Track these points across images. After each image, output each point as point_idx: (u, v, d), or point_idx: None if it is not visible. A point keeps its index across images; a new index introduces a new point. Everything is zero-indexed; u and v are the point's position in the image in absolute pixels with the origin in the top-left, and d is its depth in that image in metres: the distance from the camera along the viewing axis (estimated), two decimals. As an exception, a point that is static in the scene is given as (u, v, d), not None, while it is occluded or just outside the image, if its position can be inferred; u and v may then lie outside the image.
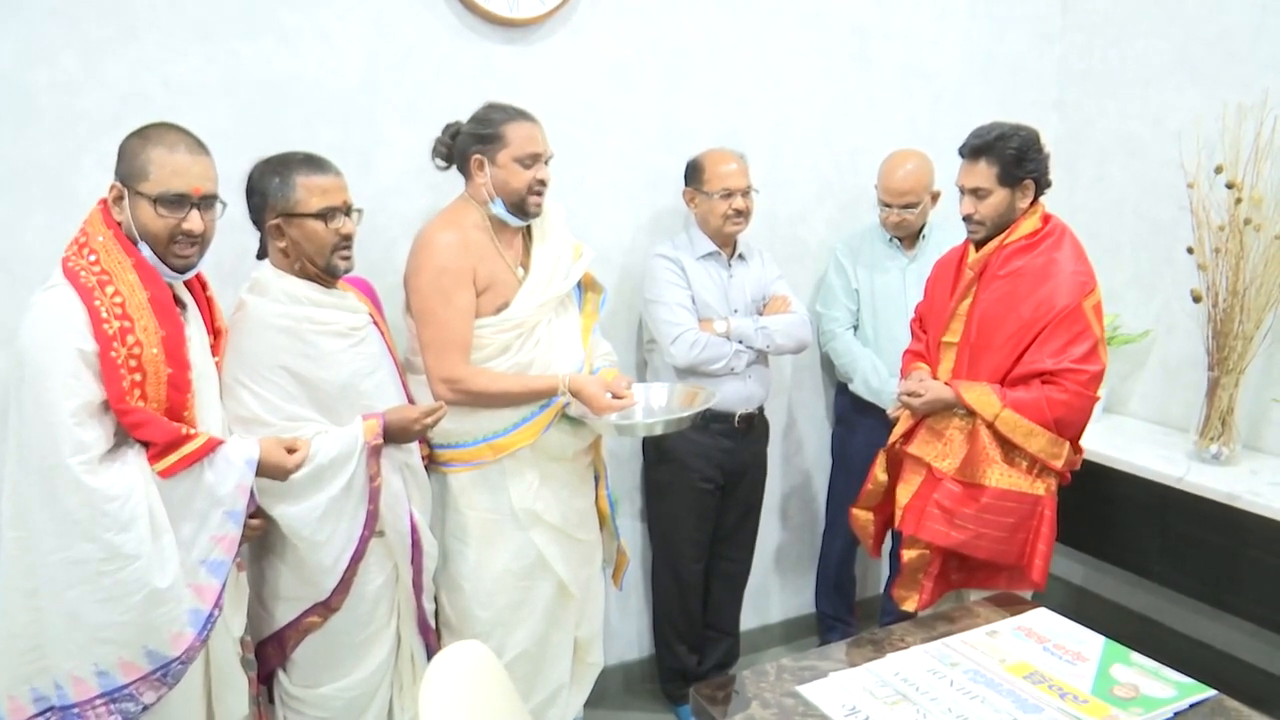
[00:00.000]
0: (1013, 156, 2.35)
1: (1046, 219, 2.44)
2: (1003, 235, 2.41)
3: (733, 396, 2.86)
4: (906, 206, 3.04)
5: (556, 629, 2.51)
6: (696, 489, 2.93)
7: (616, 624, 3.25)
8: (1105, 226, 3.54)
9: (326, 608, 2.12)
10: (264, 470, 1.92)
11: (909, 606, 2.51)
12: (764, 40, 3.14)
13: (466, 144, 2.36)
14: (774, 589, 3.56)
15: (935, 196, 3.11)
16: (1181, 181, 3.06)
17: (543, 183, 2.36)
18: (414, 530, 2.22)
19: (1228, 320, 2.96)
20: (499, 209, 2.36)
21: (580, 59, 2.84)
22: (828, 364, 3.40)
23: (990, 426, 2.35)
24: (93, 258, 1.77)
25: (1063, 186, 3.65)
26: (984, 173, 2.38)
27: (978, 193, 2.40)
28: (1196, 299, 3.00)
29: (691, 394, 2.55)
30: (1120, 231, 3.52)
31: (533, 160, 2.33)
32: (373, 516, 2.11)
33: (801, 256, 3.33)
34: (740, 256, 2.96)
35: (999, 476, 2.35)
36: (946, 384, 2.47)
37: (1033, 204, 2.43)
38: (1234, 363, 2.95)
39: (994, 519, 2.35)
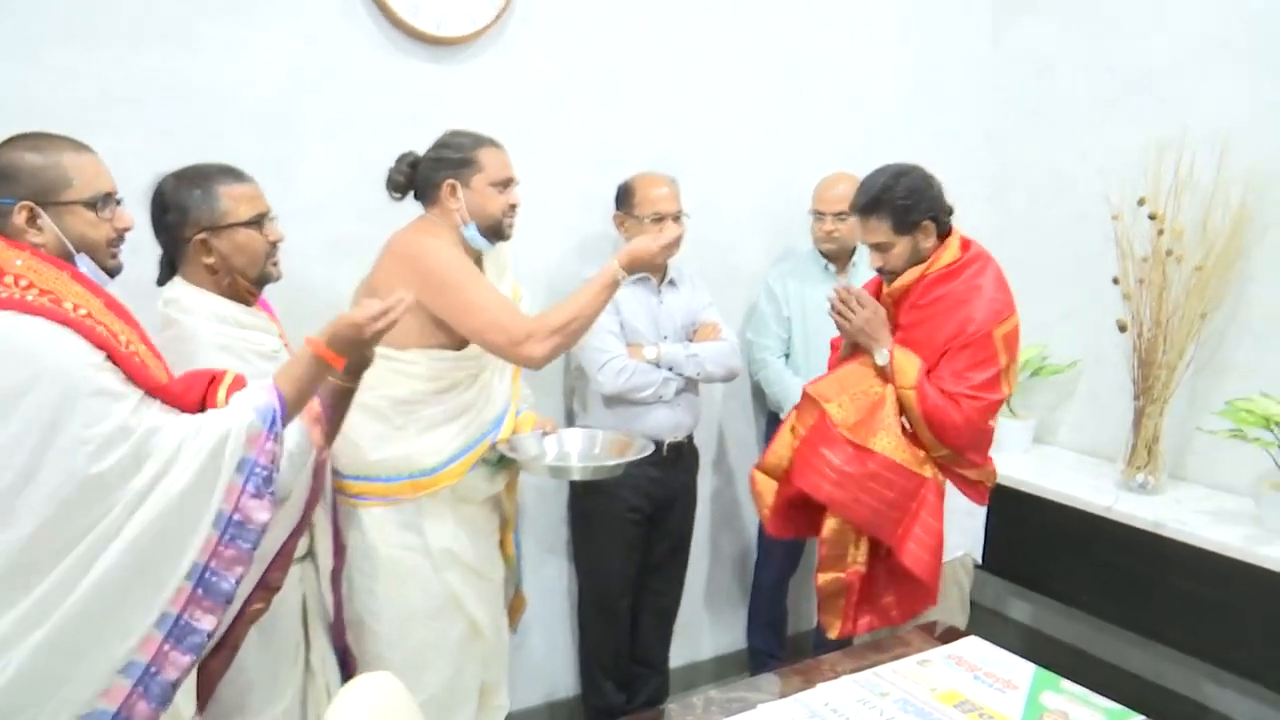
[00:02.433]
0: (903, 206, 2.35)
1: (966, 245, 2.45)
2: (924, 266, 2.41)
3: (661, 424, 2.88)
4: (840, 214, 3.10)
5: (465, 671, 2.48)
6: (623, 519, 2.92)
7: (541, 662, 3.23)
8: (1036, 257, 3.61)
9: (266, 588, 2.02)
10: (337, 342, 1.78)
11: (833, 634, 2.49)
12: (698, 64, 3.18)
13: (434, 170, 2.35)
14: (704, 624, 3.55)
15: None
16: (1108, 214, 3.15)
17: (514, 207, 2.39)
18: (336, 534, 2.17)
19: (1152, 350, 3.03)
20: (472, 233, 2.35)
21: (510, 79, 2.85)
22: (758, 392, 3.41)
23: (899, 396, 2.38)
24: (24, 283, 1.59)
25: (994, 217, 3.73)
26: (879, 227, 2.39)
27: (879, 247, 2.42)
28: (1122, 328, 3.07)
29: (625, 442, 2.57)
30: (1051, 262, 3.59)
31: (506, 184, 2.36)
32: (316, 494, 2.04)
33: (733, 283, 3.35)
34: (671, 282, 2.98)
35: (889, 445, 2.34)
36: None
37: (945, 236, 2.44)
38: (1158, 392, 3.02)
39: (875, 488, 2.34)
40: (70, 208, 1.69)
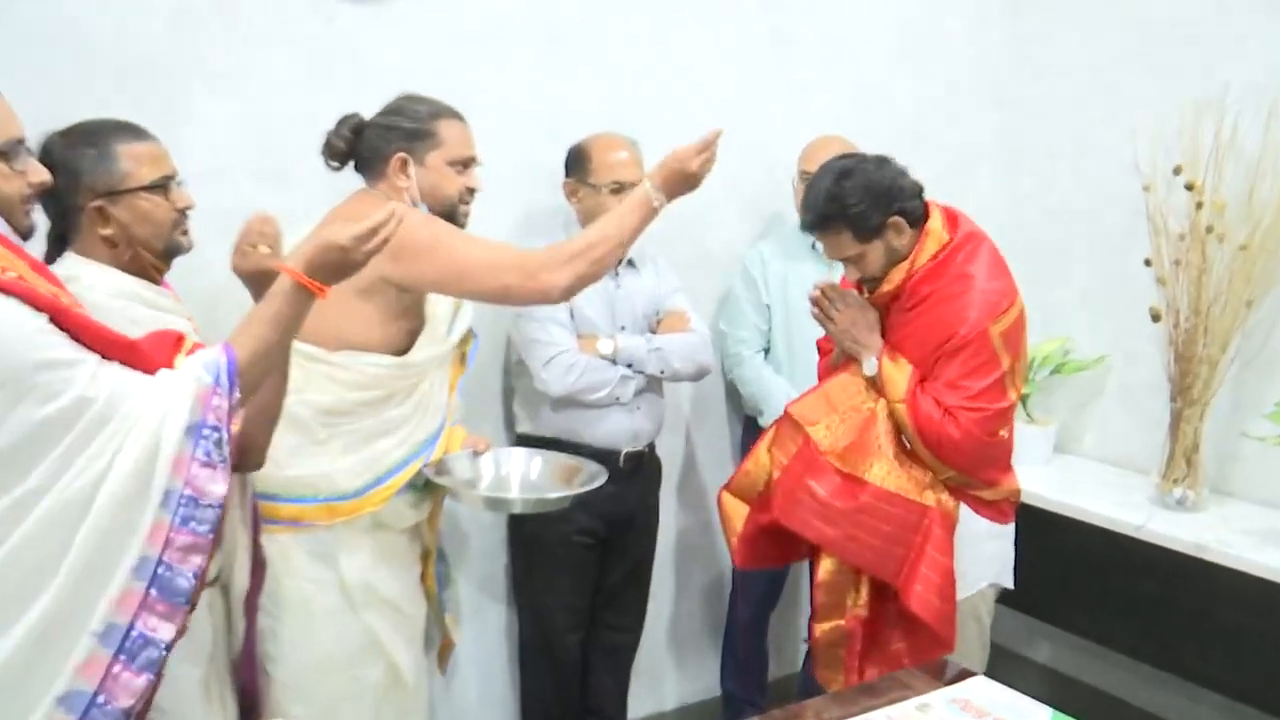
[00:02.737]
0: (858, 213, 2.32)
1: (952, 221, 2.41)
2: (908, 264, 2.38)
3: (618, 431, 2.86)
4: None
5: None
6: (572, 544, 2.87)
7: (472, 712, 3.18)
8: (1055, 236, 3.63)
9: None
10: (318, 270, 1.74)
11: (835, 689, 2.46)
12: (661, 8, 3.14)
13: (384, 139, 2.33)
14: (669, 667, 3.52)
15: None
16: (1138, 185, 3.14)
17: (472, 191, 2.40)
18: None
19: (1190, 343, 3.02)
20: None
21: (442, 23, 2.80)
22: (733, 393, 3.39)
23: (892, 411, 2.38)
24: None
25: (1005, 189, 3.75)
26: (840, 241, 2.37)
27: (848, 260, 2.41)
28: (1155, 318, 3.06)
29: (573, 467, 2.55)
30: (1072, 241, 3.60)
31: (467, 164, 2.38)
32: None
33: (703, 264, 3.31)
34: (630, 263, 2.94)
35: (883, 474, 2.35)
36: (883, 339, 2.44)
37: (923, 221, 2.40)
38: (1199, 392, 3.01)
39: (869, 522, 2.33)
40: None
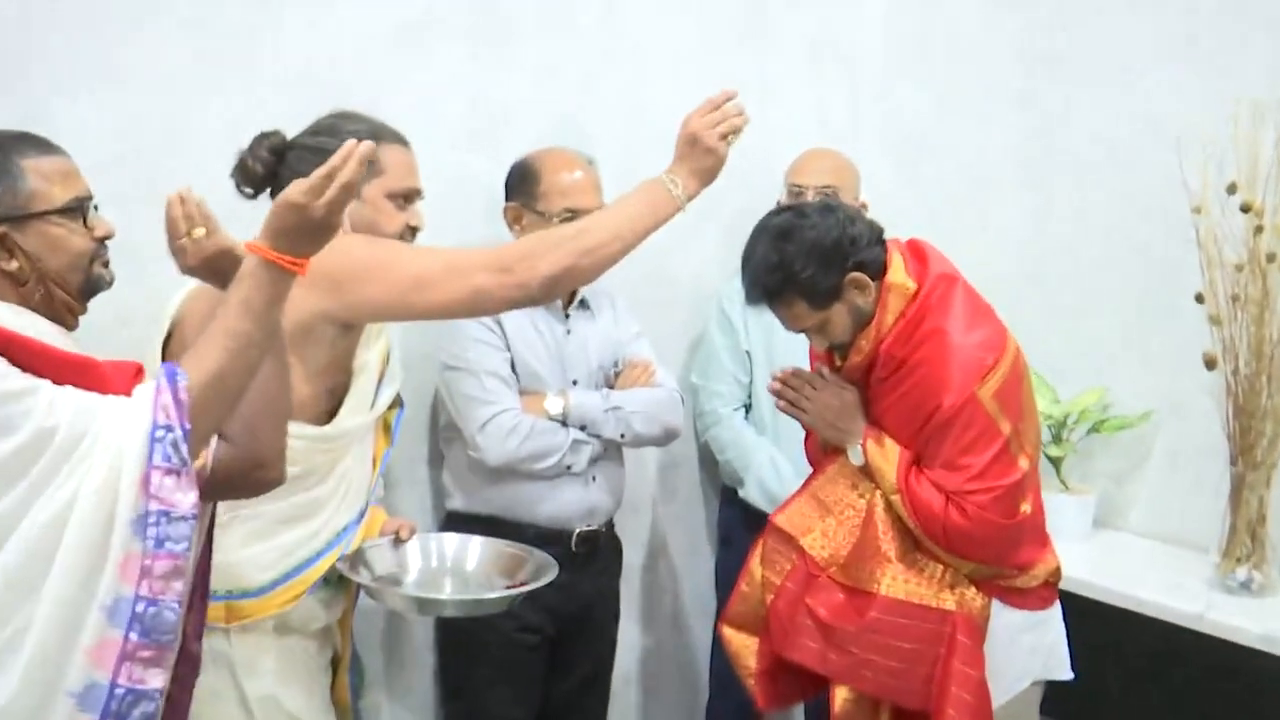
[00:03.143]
0: (809, 280, 2.34)
1: (920, 260, 2.40)
2: (874, 326, 2.38)
3: (570, 507, 2.84)
4: (826, 189, 3.08)
5: None
6: (514, 644, 2.83)
7: None
8: (1088, 266, 3.59)
9: None
10: (284, 239, 1.72)
11: None
12: (617, -4, 3.16)
13: (312, 164, 2.20)
14: None
15: (862, 209, 3.10)
16: (1185, 204, 3.11)
17: (415, 230, 2.39)
18: None
19: (1252, 394, 2.97)
20: None
21: (349, 8, 2.80)
22: (708, 460, 3.40)
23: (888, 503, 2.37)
24: None
25: (1029, 210, 3.76)
26: (796, 313, 2.41)
27: (810, 330, 2.45)
28: (1210, 364, 3.00)
29: (517, 557, 2.53)
30: (1107, 273, 3.56)
31: (409, 198, 2.39)
32: None
33: (672, 304, 3.35)
34: (582, 304, 2.95)
35: (892, 581, 2.34)
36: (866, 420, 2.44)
37: (882, 273, 2.39)
38: (1263, 452, 2.95)
39: (882, 641, 2.32)
40: None
